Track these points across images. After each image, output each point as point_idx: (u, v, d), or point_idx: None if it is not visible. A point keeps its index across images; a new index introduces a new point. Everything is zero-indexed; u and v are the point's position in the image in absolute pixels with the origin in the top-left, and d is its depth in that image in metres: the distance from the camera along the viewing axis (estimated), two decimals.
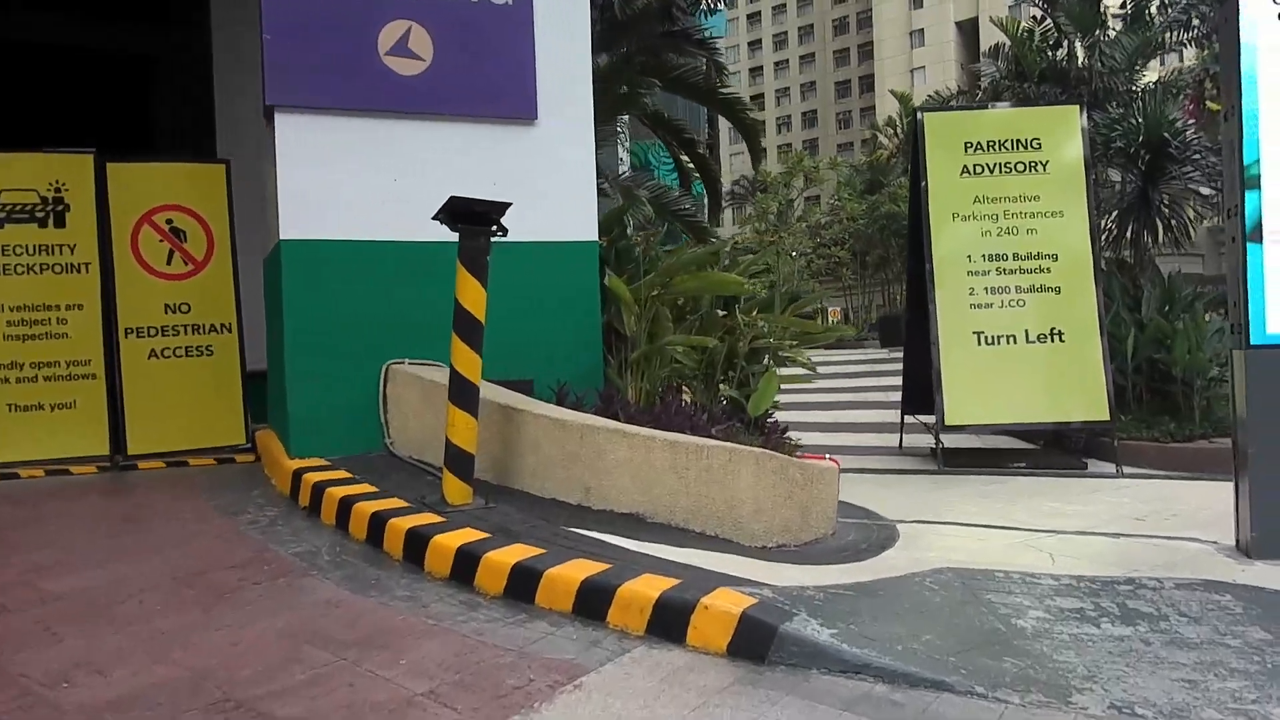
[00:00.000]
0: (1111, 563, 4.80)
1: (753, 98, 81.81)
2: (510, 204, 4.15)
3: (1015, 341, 8.06)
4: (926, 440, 8.74)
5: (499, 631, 3.24)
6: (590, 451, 4.44)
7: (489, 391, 4.82)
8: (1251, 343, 4.84)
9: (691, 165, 11.67)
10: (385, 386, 5.14)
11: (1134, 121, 9.65)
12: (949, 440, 8.60)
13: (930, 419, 8.27)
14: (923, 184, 8.38)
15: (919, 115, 8.58)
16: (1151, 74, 13.34)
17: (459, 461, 4.21)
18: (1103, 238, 10.13)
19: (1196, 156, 9.71)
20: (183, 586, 3.65)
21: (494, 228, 4.17)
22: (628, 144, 20.26)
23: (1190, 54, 12.36)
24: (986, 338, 8.09)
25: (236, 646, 3.07)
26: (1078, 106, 8.44)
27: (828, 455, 5.74)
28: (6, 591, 3.60)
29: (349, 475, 4.71)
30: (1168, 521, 5.89)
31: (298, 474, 4.77)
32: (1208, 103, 10.07)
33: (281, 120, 5.01)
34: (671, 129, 11.03)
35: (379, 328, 5.15)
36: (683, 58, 11.04)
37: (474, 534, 3.88)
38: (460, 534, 3.87)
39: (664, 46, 11.05)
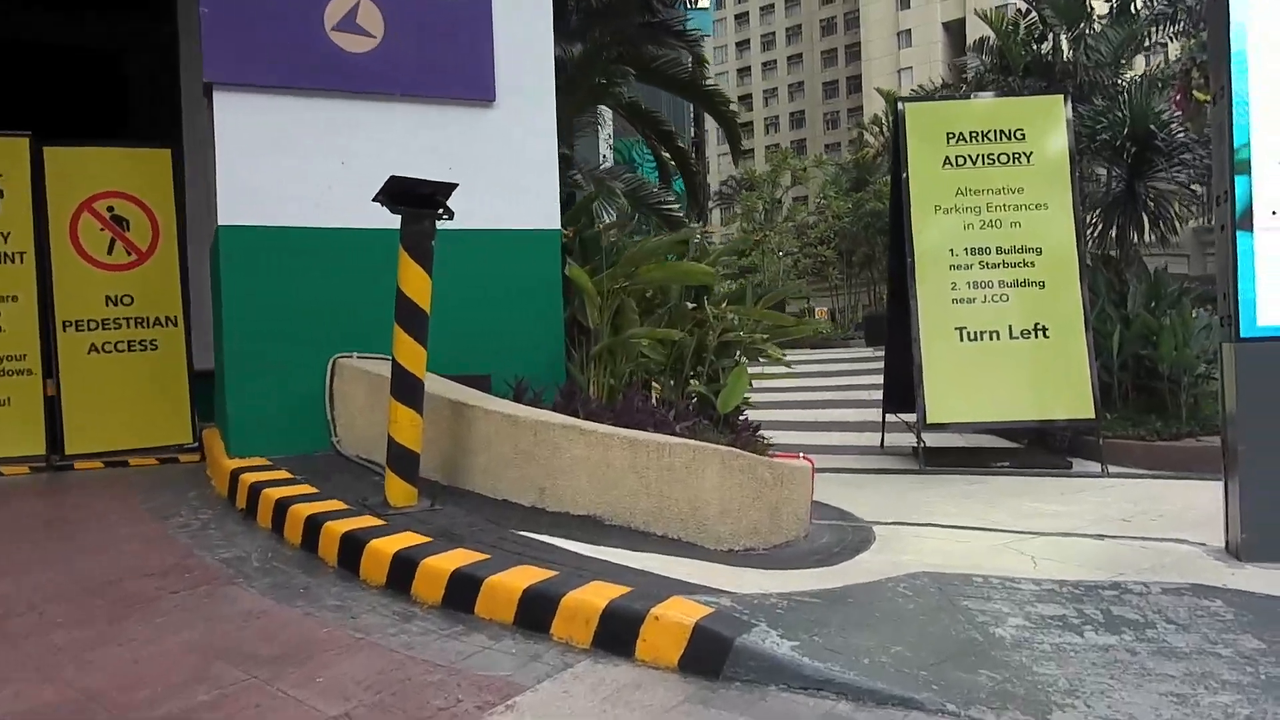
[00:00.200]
0: (1096, 566, 4.58)
1: (741, 98, 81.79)
2: (456, 185, 3.88)
3: (998, 338, 7.85)
4: (909, 439, 8.51)
5: (431, 645, 2.97)
6: (545, 450, 4.18)
7: (439, 386, 4.55)
8: (1241, 335, 4.63)
9: (671, 160, 11.41)
10: (332, 382, 4.86)
11: (1119, 114, 9.46)
12: (931, 439, 8.37)
13: (912, 417, 8.05)
14: (904, 176, 8.16)
15: (900, 105, 8.36)
16: (1137, 69, 13.20)
17: (403, 461, 3.94)
18: (1088, 234, 9.93)
19: (1185, 155, 9.53)
20: (93, 596, 3.36)
21: (440, 211, 3.90)
22: (611, 140, 20.00)
23: (1176, 48, 12.20)
24: (969, 334, 7.87)
25: (138, 664, 2.79)
26: (1062, 96, 8.23)
27: (801, 454, 5.49)
28: None
29: (289, 475, 4.43)
30: (1154, 522, 5.67)
31: (235, 474, 4.48)
32: (1195, 93, 9.90)
33: (220, 99, 4.71)
34: (649, 121, 10.77)
35: (326, 319, 4.87)
36: (663, 50, 10.80)
37: (414, 538, 3.61)
38: (399, 538, 3.60)
39: (643, 38, 10.80)
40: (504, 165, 5.25)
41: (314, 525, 3.81)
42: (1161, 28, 11.67)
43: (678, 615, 2.93)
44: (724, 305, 5.11)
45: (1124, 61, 11.59)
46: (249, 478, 4.37)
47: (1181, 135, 9.14)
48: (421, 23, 5.07)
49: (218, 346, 4.96)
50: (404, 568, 3.42)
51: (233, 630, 3.07)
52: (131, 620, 3.14)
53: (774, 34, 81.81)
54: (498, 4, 5.21)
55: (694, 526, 4.29)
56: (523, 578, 3.23)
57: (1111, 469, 7.61)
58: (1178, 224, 9.77)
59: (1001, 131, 8.16)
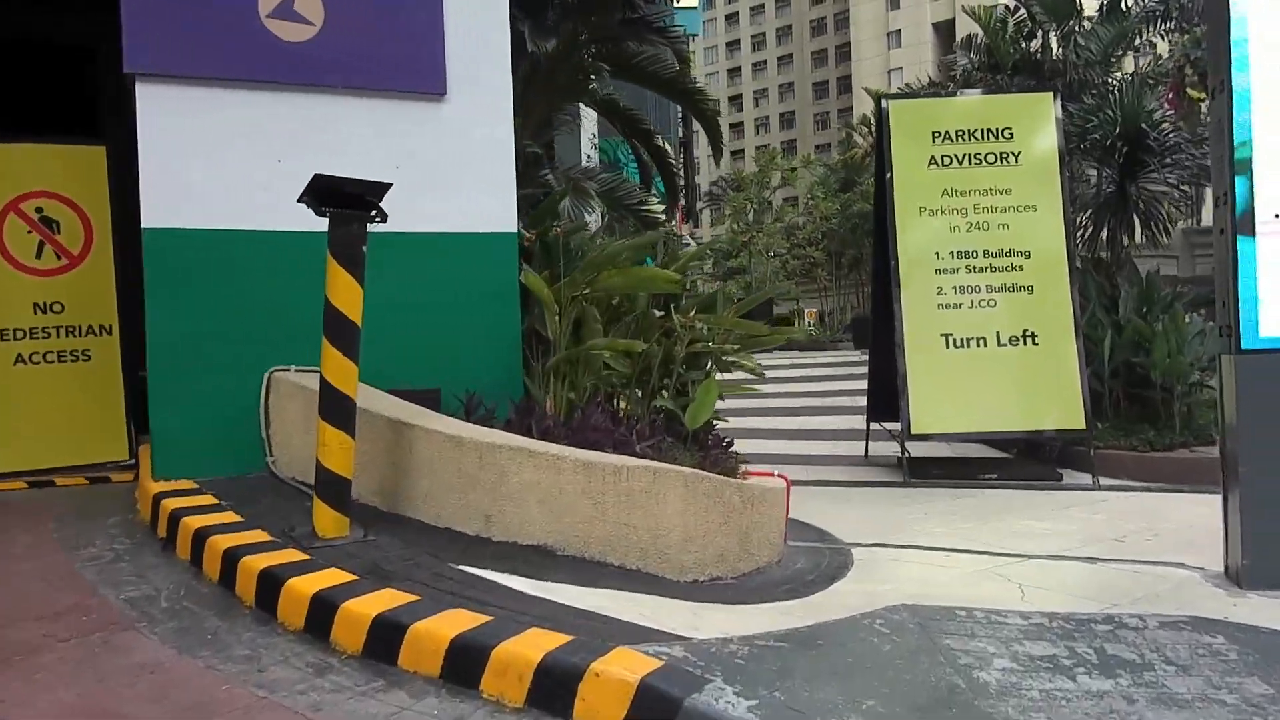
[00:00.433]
0: (1088, 595, 4.27)
1: (731, 99, 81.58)
2: (389, 185, 3.54)
3: (985, 344, 7.54)
4: (894, 448, 8.19)
5: (342, 706, 2.63)
6: (491, 474, 3.83)
7: (379, 403, 4.20)
8: (1243, 347, 4.33)
9: (650, 159, 11.08)
10: (268, 397, 4.51)
11: (1110, 113, 9.18)
12: (917, 449, 8.08)
13: (897, 427, 7.73)
14: (888, 176, 7.85)
15: (884, 103, 8.04)
16: (1127, 68, 12.93)
17: (332, 487, 3.59)
18: (1078, 236, 9.65)
19: (1179, 155, 9.24)
20: None
21: (372, 212, 3.55)
22: (595, 140, 19.65)
23: (1165, 47, 11.94)
24: (955, 340, 7.56)
25: None
26: (1051, 94, 7.94)
27: (776, 471, 5.16)
28: None
29: (214, 501, 4.07)
30: (1149, 543, 5.37)
31: (157, 499, 4.12)
32: (1188, 91, 9.63)
33: (144, 91, 4.35)
34: (627, 119, 10.43)
35: (263, 330, 4.51)
36: (644, 46, 10.46)
37: (338, 576, 3.26)
38: (320, 576, 3.25)
39: (624, 34, 10.46)
40: (457, 163, 4.91)
41: (231, 559, 3.45)
42: (1153, 26, 11.41)
43: (621, 671, 2.60)
44: (692, 314, 4.76)
45: (1114, 60, 11.32)
46: (170, 504, 4.01)
47: (1174, 135, 8.86)
48: (365, 10, 4.71)
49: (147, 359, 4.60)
50: (323, 610, 3.07)
51: (119, 688, 2.71)
52: (6, 676, 2.78)
53: (764, 34, 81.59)
54: None
55: (654, 556, 3.95)
56: (452, 624, 2.89)
57: (1103, 481, 7.33)
58: (1170, 226, 9.50)
59: (989, 130, 7.86)
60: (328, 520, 3.60)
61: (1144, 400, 8.22)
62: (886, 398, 8.02)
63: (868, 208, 24.87)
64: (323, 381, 3.57)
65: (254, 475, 4.47)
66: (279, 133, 4.60)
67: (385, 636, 2.92)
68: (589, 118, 16.40)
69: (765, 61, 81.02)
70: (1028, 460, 8.35)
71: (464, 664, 2.77)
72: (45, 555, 3.89)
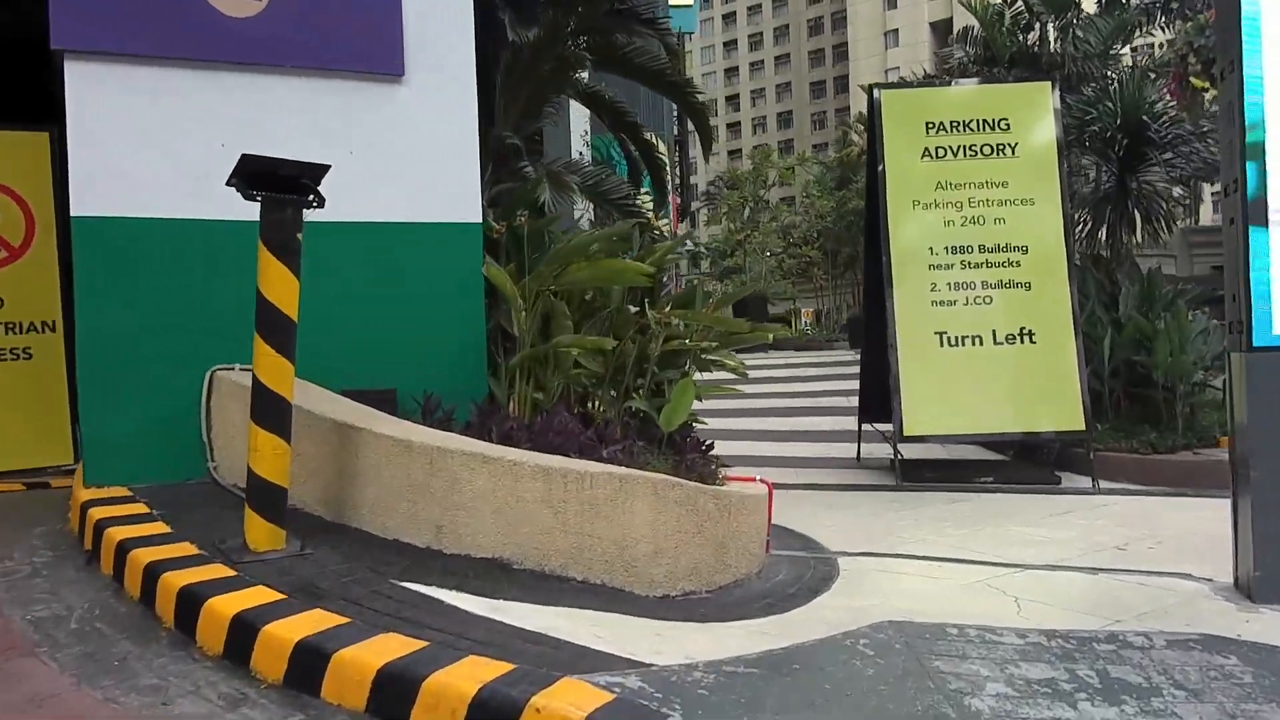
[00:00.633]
0: (1089, 609, 3.98)
1: (728, 98, 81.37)
2: (328, 167, 3.24)
3: (981, 343, 7.26)
4: (887, 450, 7.90)
5: None
6: (442, 481, 3.53)
7: (324, 405, 3.90)
8: (1255, 344, 4.05)
9: (637, 154, 10.76)
10: (209, 398, 4.20)
11: (1110, 105, 8.89)
12: (909, 451, 7.79)
13: (889, 428, 7.44)
14: (880, 168, 7.56)
15: (875, 93, 7.75)
16: (1126, 61, 12.65)
17: (265, 496, 3.29)
18: (1077, 231, 9.36)
19: (1182, 148, 8.95)
20: None
21: (309, 197, 3.25)
22: (588, 135, 19.35)
23: (1163, 41, 11.64)
24: (950, 339, 7.27)
25: None
26: (1049, 83, 7.65)
27: (758, 476, 4.87)
28: None
29: (145, 510, 3.77)
30: (1153, 551, 5.08)
31: (85, 507, 3.82)
32: (1191, 80, 9.34)
33: (73, 69, 4.04)
34: (614, 112, 10.11)
35: (204, 325, 4.20)
36: (633, 38, 10.17)
37: (264, 595, 2.96)
38: (245, 595, 2.95)
39: (610, 25, 10.17)
40: (416, 149, 4.60)
41: (152, 575, 3.15)
42: (1153, 18, 11.13)
43: (565, 706, 2.30)
44: (667, 309, 4.47)
45: (1114, 51, 11.04)
46: (97, 513, 3.70)
47: (1176, 128, 8.58)
48: None
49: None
50: (243, 634, 2.77)
51: None
52: None
53: (761, 34, 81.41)
54: None
55: (621, 569, 3.66)
56: (382, 651, 2.59)
57: (1103, 484, 7.05)
58: (1171, 221, 9.22)
59: (984, 121, 7.58)
60: (260, 532, 3.30)
61: (1145, 400, 7.94)
62: (879, 398, 7.74)
63: (863, 205, 24.59)
64: (255, 381, 3.27)
65: (194, 482, 4.16)
66: (222, 115, 4.30)
67: (308, 664, 2.62)
68: (582, 114, 16.11)
69: (762, 61, 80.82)
70: (1025, 463, 8.06)
71: (392, 696, 2.47)
72: None
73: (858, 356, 14.24)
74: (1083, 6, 11.28)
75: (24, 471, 5.21)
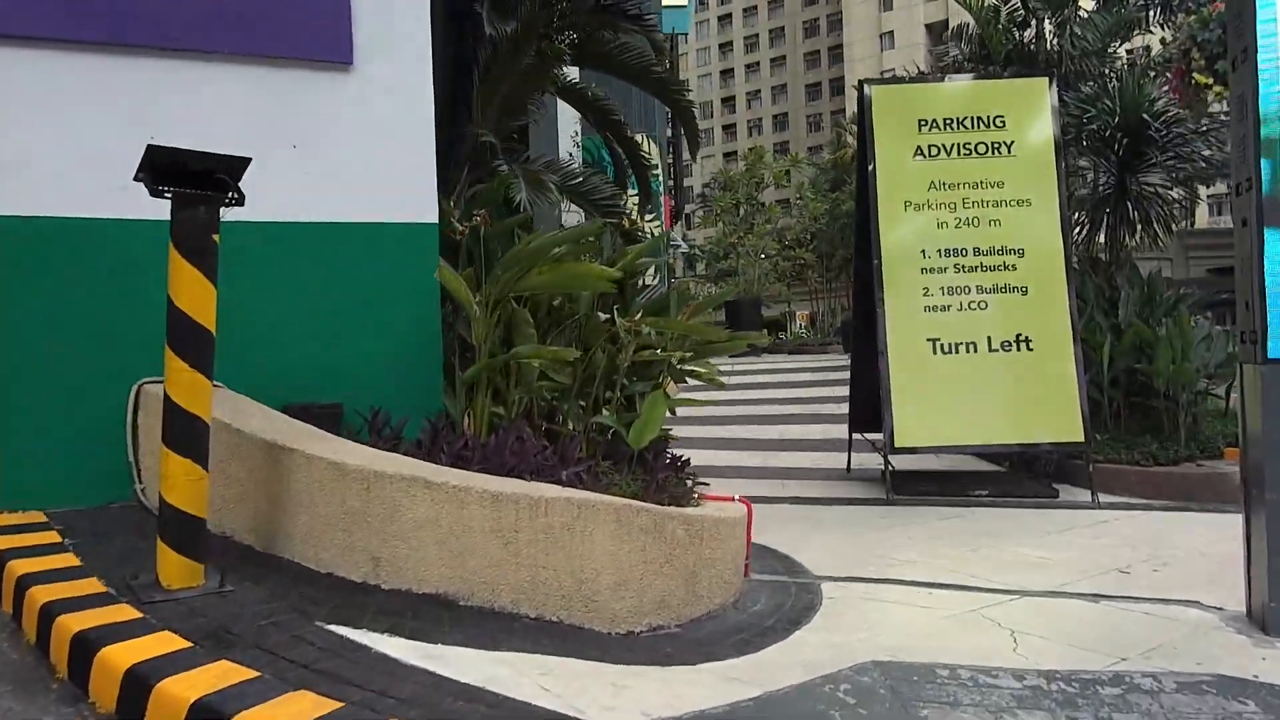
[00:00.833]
0: (1092, 645, 3.66)
1: (724, 100, 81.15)
2: (248, 160, 2.92)
3: (976, 350, 6.94)
4: (879, 460, 7.58)
5: None
6: (379, 508, 3.21)
7: (255, 423, 3.57)
8: (1271, 356, 3.73)
9: (622, 152, 10.45)
10: (135, 415, 3.87)
11: (1109, 103, 8.60)
12: (901, 462, 7.48)
13: (880, 438, 7.12)
14: (870, 168, 7.25)
15: (866, 89, 7.44)
16: (1125, 61, 12.35)
17: (179, 529, 2.96)
18: (1075, 234, 9.06)
19: (1185, 149, 8.64)
20: None
21: (227, 194, 2.92)
22: (579, 136, 19.04)
23: (1168, 35, 11.34)
24: (943, 345, 6.96)
25: None
26: (1047, 79, 7.35)
27: (737, 495, 4.54)
28: None
29: (57, 539, 3.43)
30: (1158, 574, 4.77)
31: None
32: (1195, 76, 9.05)
33: None
34: (597, 110, 9.80)
35: (131, 335, 3.86)
36: (619, 35, 9.86)
37: (168, 643, 2.63)
38: (147, 643, 2.62)
39: (596, 22, 9.87)
40: (366, 144, 4.27)
41: (48, 617, 2.82)
42: (1154, 14, 10.82)
43: None
44: (637, 316, 4.15)
45: (1113, 49, 10.74)
46: (3, 542, 3.37)
47: (1178, 127, 8.28)
48: None
49: None
50: (136, 690, 2.45)
51: None
52: None
53: (757, 36, 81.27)
54: None
55: (580, 604, 3.33)
56: (288, 715, 2.26)
57: (1103, 498, 6.74)
58: (1172, 223, 8.92)
59: (979, 118, 7.27)
60: (174, 568, 2.96)
61: (1146, 410, 7.63)
62: (869, 407, 7.42)
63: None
64: (166, 400, 2.94)
65: (118, 505, 3.83)
66: (149, 106, 3.96)
67: None
68: (573, 115, 15.80)
69: (758, 63, 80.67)
70: (1022, 474, 7.75)
71: None
72: None
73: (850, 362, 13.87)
74: (1080, 3, 10.97)
75: None
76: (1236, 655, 3.55)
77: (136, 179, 2.84)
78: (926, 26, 60.74)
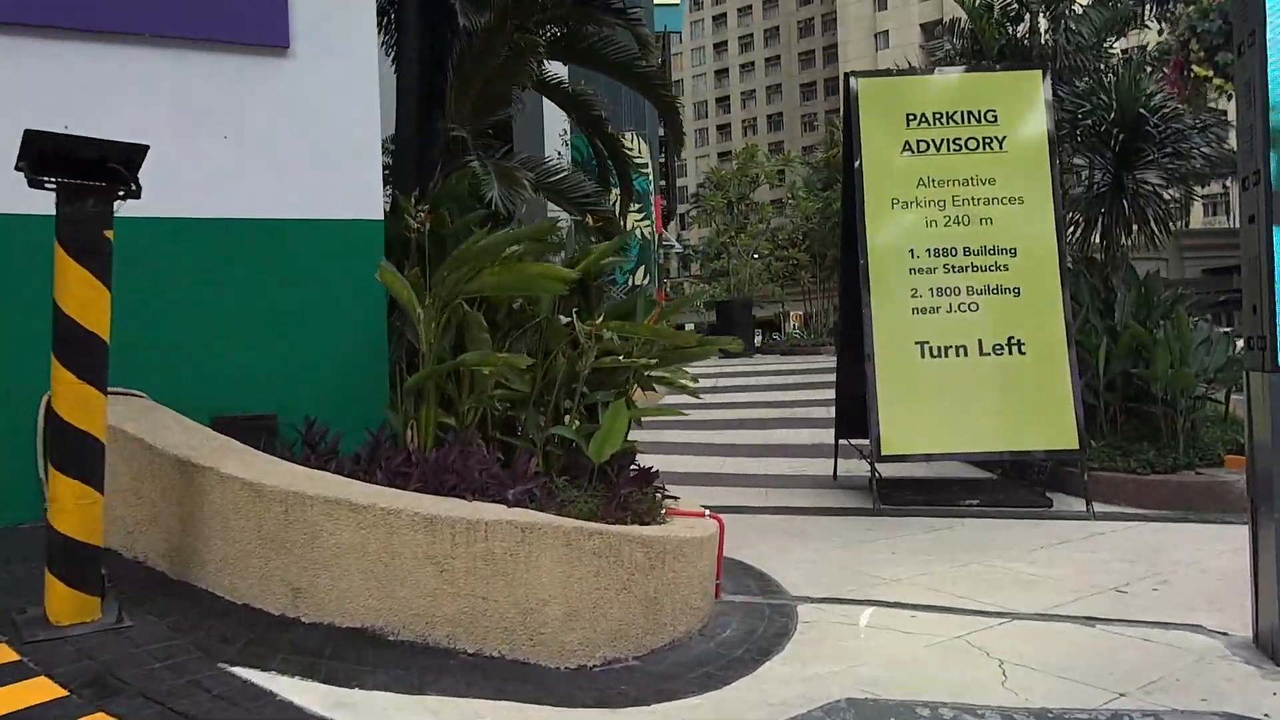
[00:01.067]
0: (1087, 677, 3.37)
1: (718, 100, 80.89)
2: (146, 148, 2.60)
3: (966, 353, 6.65)
4: (866, 467, 7.29)
5: None
6: (300, 533, 2.90)
7: (170, 437, 3.25)
8: None
9: (604, 149, 10.14)
10: (45, 428, 3.56)
11: (1105, 98, 8.31)
12: (890, 469, 7.18)
13: (868, 443, 6.82)
14: (856, 164, 6.95)
15: (852, 82, 7.14)
16: (1120, 56, 12.09)
17: (70, 559, 2.65)
18: (1069, 233, 8.76)
19: (1183, 145, 8.35)
20: None
21: (121, 186, 2.61)
22: (568, 135, 18.74)
23: (1164, 30, 11.06)
24: (932, 349, 6.67)
25: None
26: (1040, 72, 7.08)
27: (708, 511, 4.24)
28: None
29: None
30: (1158, 593, 4.48)
31: None
32: (1194, 68, 8.75)
33: None
34: (577, 104, 9.49)
35: (36, 340, 3.54)
36: (602, 29, 9.56)
37: (39, 692, 2.32)
38: (14, 692, 2.30)
39: (578, 16, 9.57)
40: (303, 134, 3.96)
41: None
42: (1150, 8, 10.55)
43: None
44: (598, 320, 3.84)
45: (1109, 44, 10.46)
46: None
47: (1176, 122, 8.01)
48: None
49: None
50: None
51: None
52: None
53: (751, 35, 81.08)
54: None
55: (525, 638, 3.03)
56: None
57: (1098, 508, 6.46)
58: (1170, 222, 8.64)
59: (970, 113, 6.98)
60: (63, 602, 2.65)
61: (1144, 416, 7.34)
62: (857, 413, 7.12)
63: None
64: (52, 416, 2.63)
65: (27, 526, 3.51)
66: (63, 92, 3.65)
67: None
68: (561, 113, 15.51)
69: (753, 63, 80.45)
70: (1014, 483, 7.47)
71: None
72: None
73: None
74: None
75: None
76: (1245, 689, 3.27)
77: (17, 168, 2.53)
78: (921, 26, 60.58)
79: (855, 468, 7.91)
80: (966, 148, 6.94)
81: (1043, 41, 10.75)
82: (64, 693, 2.33)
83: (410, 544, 2.90)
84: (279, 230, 3.94)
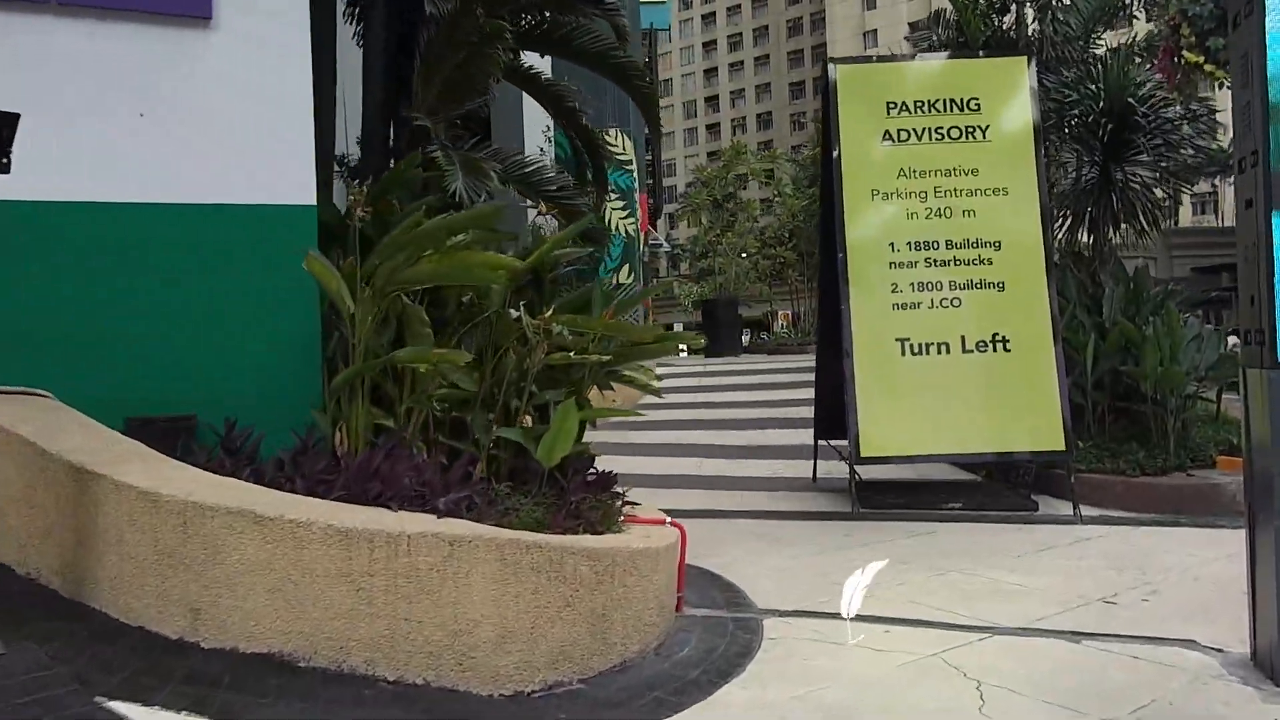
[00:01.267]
0: (1071, 699, 3.10)
1: (707, 99, 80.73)
2: (17, 115, 2.31)
3: (948, 350, 6.39)
4: (846, 469, 7.02)
5: None
6: (199, 548, 2.61)
7: (64, 441, 2.95)
8: None
9: (579, 141, 9.85)
10: None
11: (1093, 87, 8.09)
12: (870, 471, 6.92)
13: (847, 444, 6.56)
14: (835, 154, 6.68)
15: (830, 69, 6.87)
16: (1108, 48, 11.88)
17: None
18: (1056, 225, 8.52)
19: (1173, 137, 8.12)
20: None
21: None
22: (551, 131, 18.44)
23: (1151, 21, 10.85)
24: (913, 346, 6.41)
25: None
26: (1025, 58, 6.83)
27: (669, 519, 3.96)
28: None
29: None
30: (1148, 603, 4.23)
31: None
32: (1185, 54, 8.53)
33: None
34: (550, 95, 9.20)
35: None
36: (579, 19, 9.28)
37: None
38: None
39: (554, 4, 9.29)
40: (226, 112, 3.66)
41: None
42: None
43: None
44: (548, 314, 3.56)
45: (1096, 34, 10.23)
46: None
47: (1165, 111, 7.78)
48: None
49: None
50: None
51: None
52: None
53: (740, 34, 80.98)
54: None
55: (452, 662, 2.74)
56: None
57: (1085, 512, 6.20)
58: (1160, 216, 8.42)
59: (952, 101, 6.72)
60: None
61: (1133, 415, 7.09)
62: (836, 412, 6.86)
63: None
64: None
65: None
66: None
67: None
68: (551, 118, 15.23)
69: (742, 62, 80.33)
70: (998, 485, 7.21)
71: None
72: None
73: None
74: None
75: None
76: (1243, 713, 3.01)
77: None
78: (910, 25, 60.52)
79: (835, 469, 7.65)
80: (949, 137, 6.68)
81: (1030, 32, 10.52)
82: None
83: (323, 560, 2.61)
84: (200, 215, 3.63)
